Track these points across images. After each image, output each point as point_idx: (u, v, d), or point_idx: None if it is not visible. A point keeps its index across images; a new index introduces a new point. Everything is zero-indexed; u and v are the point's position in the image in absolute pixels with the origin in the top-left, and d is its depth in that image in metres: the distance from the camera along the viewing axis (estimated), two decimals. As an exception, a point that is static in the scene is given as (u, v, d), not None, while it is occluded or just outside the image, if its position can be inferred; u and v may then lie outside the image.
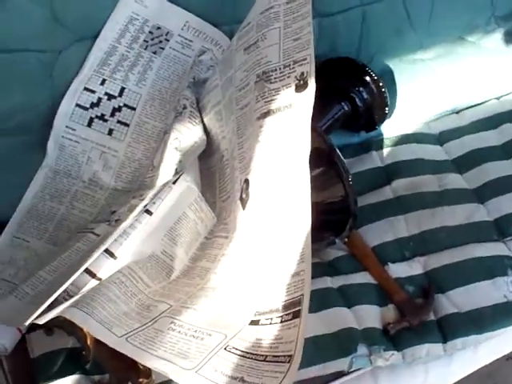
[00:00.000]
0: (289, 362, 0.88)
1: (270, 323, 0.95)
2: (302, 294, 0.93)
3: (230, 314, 1.00)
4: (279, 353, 0.91)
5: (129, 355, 0.92)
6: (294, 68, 1.04)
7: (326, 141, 1.15)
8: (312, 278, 1.14)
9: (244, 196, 1.06)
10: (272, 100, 1.04)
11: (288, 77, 1.04)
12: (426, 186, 1.30)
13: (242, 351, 0.93)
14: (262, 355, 0.92)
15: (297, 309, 0.93)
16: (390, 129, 1.39)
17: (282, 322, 0.94)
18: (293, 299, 0.94)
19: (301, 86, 1.02)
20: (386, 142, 1.38)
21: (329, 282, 1.18)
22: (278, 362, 0.89)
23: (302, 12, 1.07)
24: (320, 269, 1.20)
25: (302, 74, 1.03)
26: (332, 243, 1.21)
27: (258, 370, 0.90)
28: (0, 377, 1.08)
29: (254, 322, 0.97)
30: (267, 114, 1.04)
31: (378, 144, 1.37)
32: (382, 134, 1.39)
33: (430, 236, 1.24)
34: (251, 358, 0.92)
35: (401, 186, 1.30)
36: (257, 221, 1.03)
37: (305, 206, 0.96)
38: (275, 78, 1.05)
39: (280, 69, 1.05)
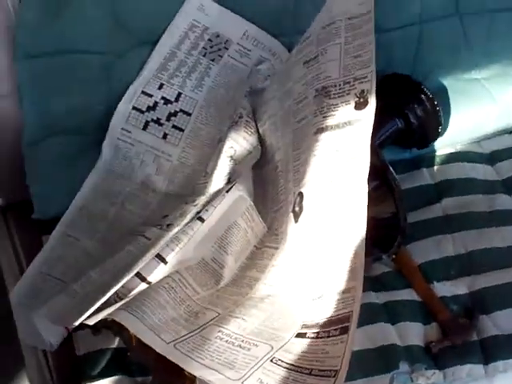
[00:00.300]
0: (334, 376, 0.89)
1: (317, 337, 0.96)
2: (352, 311, 0.94)
3: (278, 326, 1.01)
4: (325, 367, 0.91)
5: (176, 362, 0.93)
6: (354, 85, 1.05)
7: (380, 157, 1.16)
8: (357, 292, 1.15)
9: (297, 209, 1.06)
10: (330, 115, 1.05)
11: (348, 93, 1.05)
12: (476, 205, 1.30)
13: (288, 363, 0.94)
14: (308, 368, 0.93)
15: (345, 325, 0.94)
16: (442, 146, 1.39)
17: (328, 336, 0.95)
18: (341, 315, 0.95)
19: (360, 104, 1.03)
20: (437, 159, 1.38)
21: (374, 297, 1.18)
22: (323, 376, 0.90)
23: (364, 29, 1.07)
24: (366, 283, 1.18)
25: (363, 91, 1.03)
26: (379, 259, 1.21)
27: (303, 383, 0.91)
28: (45, 372, 1.10)
29: (301, 335, 0.98)
30: (325, 129, 1.05)
31: (430, 161, 1.38)
32: (433, 151, 1.39)
33: (477, 256, 1.23)
34: (296, 371, 0.93)
35: (450, 204, 1.30)
36: (309, 234, 1.04)
37: (360, 224, 0.97)
38: (334, 94, 1.06)
39: (340, 85, 1.06)
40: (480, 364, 1.13)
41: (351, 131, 1.03)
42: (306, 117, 1.09)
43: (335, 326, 0.95)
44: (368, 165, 0.99)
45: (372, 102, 1.02)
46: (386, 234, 1.18)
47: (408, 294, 1.20)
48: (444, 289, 1.20)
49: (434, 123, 1.32)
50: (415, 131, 1.32)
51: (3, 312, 1.08)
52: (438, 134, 1.33)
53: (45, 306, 1.06)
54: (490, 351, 1.14)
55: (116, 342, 1.09)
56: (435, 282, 1.21)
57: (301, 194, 1.06)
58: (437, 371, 1.11)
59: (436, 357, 1.13)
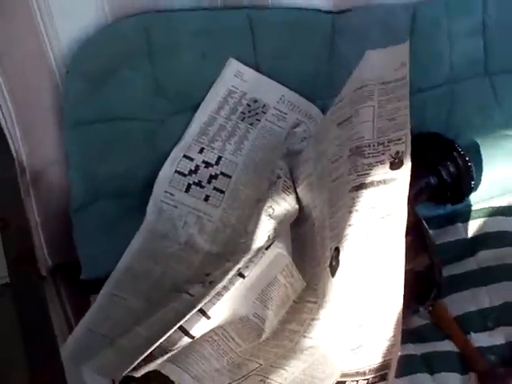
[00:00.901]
0: None
1: None
2: (391, 359, 0.97)
3: (318, 375, 1.04)
4: None
5: None
6: (388, 146, 1.08)
7: (413, 211, 1.20)
8: (396, 344, 1.18)
9: (334, 263, 1.10)
10: (365, 174, 1.09)
11: (382, 154, 1.09)
12: (510, 258, 1.32)
13: None
14: None
15: (384, 372, 0.97)
16: (477, 202, 1.42)
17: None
18: (380, 363, 0.98)
19: (395, 164, 1.07)
20: (472, 214, 1.41)
21: (412, 349, 1.20)
22: None
23: (398, 94, 1.12)
24: (404, 335, 1.22)
25: (397, 152, 1.07)
26: (416, 312, 1.24)
27: None
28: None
29: (340, 383, 1.01)
30: (360, 187, 1.09)
31: (464, 216, 1.40)
32: (468, 207, 1.42)
33: (513, 307, 1.26)
34: None
35: (485, 257, 1.33)
36: (346, 288, 1.07)
37: (398, 278, 1.01)
38: (369, 154, 1.10)
39: (374, 145, 1.10)
40: (516, 413, 1.15)
41: (386, 189, 1.06)
42: (341, 175, 1.13)
43: (374, 374, 0.98)
44: (405, 222, 1.03)
45: (407, 162, 1.06)
46: (422, 288, 1.21)
47: (445, 346, 1.21)
48: (481, 340, 1.22)
49: (467, 179, 1.35)
50: (448, 187, 1.35)
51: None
52: (470, 190, 1.37)
53: (93, 360, 1.10)
54: (526, 400, 1.16)
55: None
56: (472, 333, 1.22)
57: (337, 249, 1.09)
58: (476, 423, 1.14)
59: (475, 407, 1.15)
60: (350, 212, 1.09)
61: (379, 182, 1.07)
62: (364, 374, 1.00)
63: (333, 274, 1.10)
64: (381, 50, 1.15)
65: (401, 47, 1.13)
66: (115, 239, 1.28)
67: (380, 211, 1.06)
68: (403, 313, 1.23)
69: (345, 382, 1.01)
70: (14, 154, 1.23)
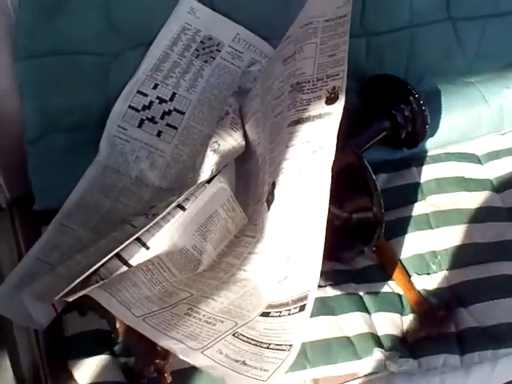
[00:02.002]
0: (289, 350, 0.94)
1: (279, 315, 1.01)
2: (310, 290, 0.99)
3: (245, 305, 1.06)
4: (281, 342, 0.96)
5: (144, 333, 0.98)
6: (326, 82, 1.09)
7: (357, 153, 1.20)
8: (338, 283, 1.20)
9: (270, 198, 1.11)
10: (303, 109, 1.10)
11: (320, 89, 1.10)
12: (461, 203, 1.33)
13: (248, 338, 0.99)
14: (266, 343, 0.97)
15: (303, 303, 0.98)
16: (434, 147, 1.42)
17: (289, 314, 0.99)
18: (302, 294, 0.99)
19: (332, 99, 1.07)
20: (428, 159, 1.41)
21: (354, 289, 1.22)
22: (279, 350, 0.95)
23: (340, 31, 1.12)
24: (348, 276, 1.24)
25: (334, 88, 1.08)
26: (361, 252, 1.25)
27: (260, 355, 0.95)
28: (35, 350, 1.16)
29: (265, 314, 1.03)
30: (297, 122, 1.10)
31: (420, 161, 1.41)
32: (425, 152, 1.42)
33: (458, 252, 1.26)
34: (256, 345, 0.97)
35: (436, 201, 1.33)
36: (278, 221, 1.09)
37: (323, 208, 1.01)
38: (308, 89, 1.11)
39: (313, 81, 1.11)
40: (456, 354, 1.15)
41: (321, 124, 1.07)
42: (281, 112, 1.14)
43: (295, 305, 0.99)
44: (333, 154, 1.03)
45: (342, 97, 1.06)
46: (366, 228, 1.22)
47: (388, 287, 1.23)
48: (424, 282, 1.24)
49: (422, 123, 1.34)
50: (402, 131, 1.35)
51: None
52: (425, 134, 1.36)
53: (30, 287, 1.12)
54: (466, 342, 1.17)
55: (102, 324, 1.14)
56: (416, 275, 1.24)
57: (273, 184, 1.11)
58: (411, 359, 1.14)
59: (412, 347, 1.16)
60: (287, 147, 1.10)
61: (315, 117, 1.08)
62: (287, 304, 1.01)
63: (269, 207, 1.12)
64: (327, -12, 1.15)
65: None
66: (68, 171, 1.29)
67: (313, 145, 1.06)
68: (348, 253, 1.26)
69: (269, 312, 1.03)
70: (-34, 86, 1.25)
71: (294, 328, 0.97)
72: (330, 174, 1.02)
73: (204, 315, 1.03)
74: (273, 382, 0.91)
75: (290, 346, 0.94)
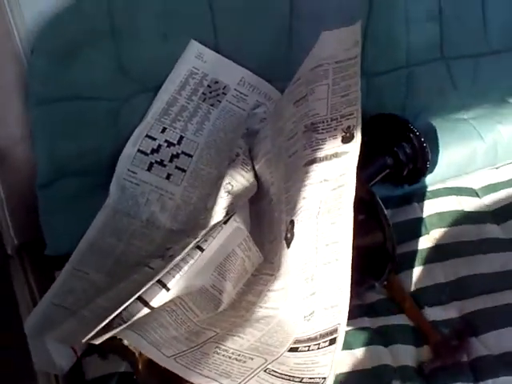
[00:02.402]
0: (323, 383, 0.96)
1: (308, 350, 1.03)
2: (339, 323, 1.01)
3: (272, 342, 1.08)
4: (315, 375, 0.98)
5: (177, 373, 1.00)
6: (340, 121, 1.13)
7: (368, 189, 1.24)
8: (351, 318, 1.22)
9: (289, 235, 1.14)
10: (319, 149, 1.13)
11: (335, 129, 1.13)
12: (464, 235, 1.36)
13: (280, 373, 1.01)
14: (299, 377, 0.99)
15: (333, 336, 1.01)
16: (433, 183, 1.46)
17: (319, 348, 1.02)
18: (330, 328, 1.02)
19: (347, 138, 1.11)
20: (428, 194, 1.44)
21: (367, 323, 1.24)
22: (312, 383, 0.97)
23: (351, 72, 1.16)
24: (359, 311, 1.26)
25: (349, 127, 1.12)
26: (372, 287, 1.28)
27: None
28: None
29: (293, 349, 1.05)
30: (313, 161, 1.13)
31: (420, 196, 1.44)
32: (425, 187, 1.45)
33: (466, 282, 1.29)
34: (289, 380, 1.00)
35: (440, 235, 1.36)
36: (299, 258, 1.11)
37: (347, 244, 1.05)
38: (322, 129, 1.14)
39: (327, 121, 1.14)
40: (470, 383, 1.17)
41: (338, 162, 1.11)
42: (296, 151, 1.17)
43: (324, 339, 1.02)
44: (354, 191, 1.07)
45: (358, 136, 1.11)
46: (377, 263, 1.25)
47: (400, 319, 1.25)
48: (435, 314, 1.25)
49: (423, 159, 1.38)
50: (405, 168, 1.38)
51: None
52: (426, 170, 1.40)
53: (56, 330, 1.13)
54: (479, 370, 1.18)
55: (123, 367, 1.14)
56: (426, 307, 1.26)
57: (292, 222, 1.13)
58: (428, 389, 1.17)
59: (428, 377, 1.17)
60: (305, 185, 1.13)
61: (332, 156, 1.11)
62: (315, 339, 1.03)
63: (288, 245, 1.14)
64: (335, 31, 1.18)
65: (353, 28, 1.17)
66: (79, 216, 1.31)
67: (332, 183, 1.10)
68: (359, 289, 1.28)
69: (298, 347, 1.05)
70: (-21, 133, 1.26)
71: (325, 361, 0.99)
72: (352, 210, 1.05)
73: (233, 353, 1.05)
74: None
75: (324, 378, 0.97)
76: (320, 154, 1.13)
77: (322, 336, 1.03)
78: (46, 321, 1.19)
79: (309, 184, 1.12)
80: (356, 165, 1.08)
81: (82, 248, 1.29)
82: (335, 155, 1.11)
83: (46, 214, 1.29)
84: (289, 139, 1.20)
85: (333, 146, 1.12)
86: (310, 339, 1.04)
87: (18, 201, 1.32)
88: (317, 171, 1.12)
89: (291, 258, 1.13)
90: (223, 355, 1.04)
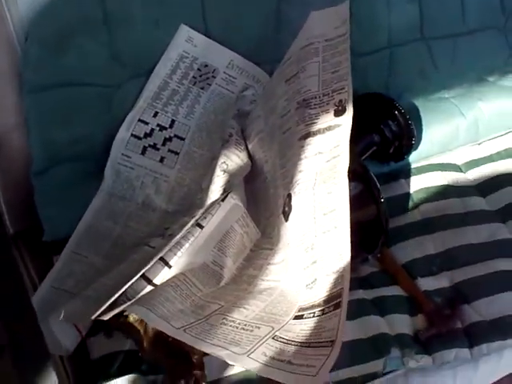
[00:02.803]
0: (331, 346, 0.99)
1: (313, 316, 1.06)
2: (342, 288, 1.04)
3: (276, 311, 1.11)
4: (322, 339, 1.02)
5: (188, 343, 1.03)
6: (332, 96, 1.16)
7: (361, 163, 1.27)
8: (347, 290, 1.25)
9: (286, 209, 1.17)
10: (312, 123, 1.16)
11: (327, 104, 1.16)
12: (451, 208, 1.41)
13: (288, 340, 1.04)
14: (307, 342, 1.02)
15: (337, 301, 1.04)
16: (418, 159, 1.50)
17: (323, 314, 1.05)
18: (334, 293, 1.05)
19: (339, 111, 1.15)
20: (414, 171, 1.49)
21: (363, 294, 1.28)
22: (320, 346, 1.00)
23: (340, 48, 1.19)
24: (354, 283, 1.29)
25: (341, 101, 1.15)
26: (365, 260, 1.31)
27: (303, 354, 1.01)
28: (63, 376, 1.17)
29: (298, 317, 1.08)
30: (307, 135, 1.16)
31: (407, 173, 1.49)
32: (410, 164, 1.50)
33: (456, 253, 1.34)
34: (296, 345, 1.03)
35: (427, 209, 1.41)
36: (299, 229, 1.14)
37: (345, 212, 1.09)
38: (315, 105, 1.17)
39: (319, 97, 1.17)
40: (465, 348, 1.22)
41: (332, 135, 1.14)
42: (289, 128, 1.20)
43: (328, 304, 1.05)
44: (348, 161, 1.11)
45: (349, 109, 1.14)
46: (370, 237, 1.28)
47: (394, 290, 1.29)
48: (427, 284, 1.30)
49: (408, 137, 1.42)
50: (391, 145, 1.42)
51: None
52: (411, 147, 1.44)
53: (59, 311, 1.13)
54: (473, 336, 1.23)
55: (128, 344, 1.17)
56: (419, 278, 1.30)
57: (289, 195, 1.16)
58: (426, 356, 1.20)
59: (424, 344, 1.22)
60: (300, 159, 1.16)
61: (325, 129, 1.14)
62: (319, 305, 1.06)
63: (286, 218, 1.17)
64: (324, 10, 1.21)
65: (341, 7, 1.20)
66: (75, 201, 1.32)
67: (326, 155, 1.13)
68: (354, 262, 1.31)
69: (302, 315, 1.08)
70: (-25, 119, 1.27)
71: (331, 325, 1.02)
72: (346, 179, 1.09)
73: (239, 323, 1.08)
74: (322, 376, 0.96)
75: (332, 341, 1.00)
76: (313, 128, 1.16)
77: (326, 302, 1.06)
78: (47, 304, 1.20)
79: (304, 158, 1.15)
80: (349, 136, 1.12)
81: (79, 232, 1.30)
82: (328, 128, 1.14)
83: (42, 200, 1.31)
84: (282, 117, 1.22)
85: (326, 119, 1.15)
86: (313, 306, 1.07)
87: (13, 189, 1.33)
88: (311, 145, 1.15)
89: (290, 230, 1.16)
90: (230, 325, 1.07)
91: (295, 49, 1.23)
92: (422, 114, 1.51)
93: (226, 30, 1.39)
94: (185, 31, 1.36)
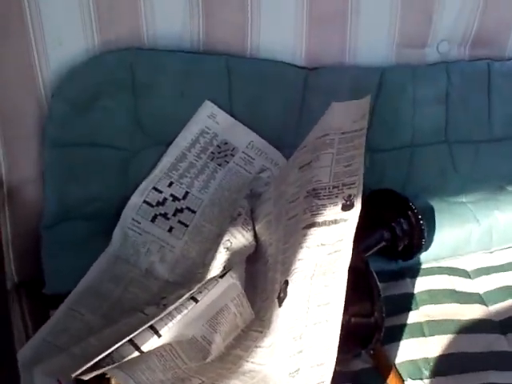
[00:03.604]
0: None
1: None
2: (323, 381, 1.04)
3: None
4: None
5: None
6: (342, 190, 1.17)
7: (362, 258, 1.27)
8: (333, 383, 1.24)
9: (282, 295, 1.17)
10: (318, 214, 1.17)
11: (336, 196, 1.17)
12: (452, 314, 1.38)
13: None
14: None
15: None
16: (427, 261, 1.49)
17: None
18: None
19: (347, 206, 1.16)
20: (421, 271, 1.47)
21: (350, 390, 1.27)
22: None
23: (356, 143, 1.21)
24: (344, 377, 1.28)
25: (350, 195, 1.16)
26: (358, 355, 1.30)
27: None
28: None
29: None
30: (312, 225, 1.17)
31: (413, 273, 1.47)
32: (419, 264, 1.48)
33: (451, 360, 1.31)
34: None
35: (430, 311, 1.39)
36: (290, 316, 1.14)
37: (338, 307, 1.08)
38: (323, 196, 1.18)
39: (329, 188, 1.18)
40: None
41: (336, 228, 1.15)
42: (296, 214, 1.21)
43: None
44: (350, 257, 1.11)
45: (358, 204, 1.15)
46: (365, 331, 1.27)
47: (383, 389, 1.28)
48: (417, 388, 1.29)
49: (419, 237, 1.41)
50: (400, 243, 1.42)
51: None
52: (421, 247, 1.43)
53: (44, 364, 1.15)
54: None
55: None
56: (409, 380, 1.28)
57: (286, 282, 1.17)
58: None
59: None
60: (301, 248, 1.16)
61: (331, 222, 1.15)
62: None
63: (280, 304, 1.17)
64: (345, 103, 1.24)
65: (363, 101, 1.22)
66: (81, 258, 1.34)
67: (328, 248, 1.13)
68: (345, 356, 1.31)
69: None
70: (-6, 168, 1.31)
71: None
72: (346, 275, 1.09)
73: None
74: None
75: None
76: (319, 219, 1.17)
77: None
78: (36, 356, 1.21)
79: (305, 247, 1.16)
80: (354, 232, 1.12)
81: (79, 289, 1.31)
82: (334, 221, 1.15)
83: (48, 253, 1.33)
84: (290, 202, 1.24)
85: (333, 212, 1.16)
86: None
87: (23, 239, 1.35)
88: (314, 235, 1.16)
89: (282, 316, 1.16)
90: None
91: (312, 138, 1.25)
92: (436, 216, 1.50)
93: (249, 110, 1.42)
94: (209, 107, 1.39)
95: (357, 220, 1.13)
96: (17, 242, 1.36)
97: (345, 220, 1.15)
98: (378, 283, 1.25)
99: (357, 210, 1.14)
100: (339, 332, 1.05)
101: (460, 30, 1.52)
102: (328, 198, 1.18)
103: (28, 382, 1.14)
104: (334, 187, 1.18)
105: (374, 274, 1.26)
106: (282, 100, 1.43)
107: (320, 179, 1.20)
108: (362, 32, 1.43)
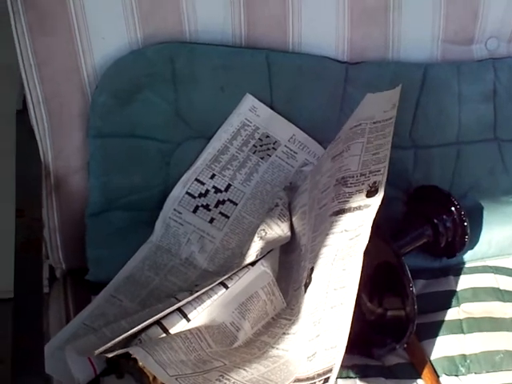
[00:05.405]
0: None
1: None
2: (335, 364, 1.04)
3: (273, 378, 1.12)
4: None
5: None
6: (368, 177, 1.18)
7: (395, 251, 1.26)
8: (368, 376, 1.24)
9: (307, 281, 1.18)
10: (345, 201, 1.19)
11: (362, 184, 1.19)
12: (494, 312, 1.36)
13: None
14: None
15: (327, 376, 1.04)
16: (472, 259, 1.46)
17: None
18: (326, 368, 1.05)
19: (372, 192, 1.16)
20: (466, 270, 1.45)
21: (383, 383, 1.25)
22: None
23: (385, 132, 1.22)
24: (378, 371, 1.27)
25: (375, 182, 1.17)
26: (393, 350, 1.29)
27: None
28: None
29: None
30: (339, 212, 1.18)
31: (457, 271, 1.45)
32: (463, 263, 1.46)
33: (487, 357, 1.29)
34: None
35: (469, 309, 1.36)
36: (312, 301, 1.16)
37: (353, 289, 1.08)
38: (351, 183, 1.20)
39: (357, 176, 1.20)
40: None
41: (360, 214, 1.16)
42: (326, 203, 1.23)
43: (320, 378, 1.05)
44: (367, 240, 1.11)
45: (381, 191, 1.15)
46: (399, 326, 1.26)
47: (414, 384, 1.27)
48: (452, 384, 1.27)
49: (462, 234, 1.40)
50: (443, 239, 1.40)
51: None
52: (464, 245, 1.41)
53: (77, 343, 1.19)
54: None
55: (138, 389, 1.21)
56: (444, 376, 1.27)
57: (312, 269, 1.18)
58: None
59: None
60: (327, 234, 1.18)
61: (355, 208, 1.16)
62: (313, 378, 1.06)
63: (305, 290, 1.18)
64: (378, 94, 1.25)
65: (394, 91, 1.23)
66: (123, 247, 1.37)
67: (350, 233, 1.14)
68: (380, 350, 1.30)
69: None
70: (42, 158, 1.36)
71: None
72: (361, 257, 1.09)
73: (234, 382, 1.08)
74: None
75: None
76: (345, 205, 1.18)
77: (319, 375, 1.05)
78: (72, 338, 1.25)
79: (331, 233, 1.17)
80: (373, 217, 1.12)
81: (120, 277, 1.35)
82: (358, 208, 1.16)
83: (92, 241, 1.37)
84: (322, 192, 1.25)
85: (358, 199, 1.17)
86: (308, 378, 1.07)
87: (70, 228, 1.41)
88: (340, 222, 1.17)
89: (306, 302, 1.17)
90: (224, 383, 1.08)
91: (345, 128, 1.27)
92: (484, 214, 1.48)
93: (290, 104, 1.43)
94: (249, 100, 1.41)
95: (378, 206, 1.13)
96: (65, 231, 1.41)
97: (368, 206, 1.15)
98: (410, 276, 1.24)
99: (380, 196, 1.14)
100: (351, 315, 1.05)
101: (509, 26, 1.50)
102: (355, 186, 1.19)
103: (60, 361, 1.18)
104: (361, 175, 1.19)
105: (406, 267, 1.25)
106: (322, 94, 1.43)
107: (349, 167, 1.21)
108: (404, 28, 1.43)
